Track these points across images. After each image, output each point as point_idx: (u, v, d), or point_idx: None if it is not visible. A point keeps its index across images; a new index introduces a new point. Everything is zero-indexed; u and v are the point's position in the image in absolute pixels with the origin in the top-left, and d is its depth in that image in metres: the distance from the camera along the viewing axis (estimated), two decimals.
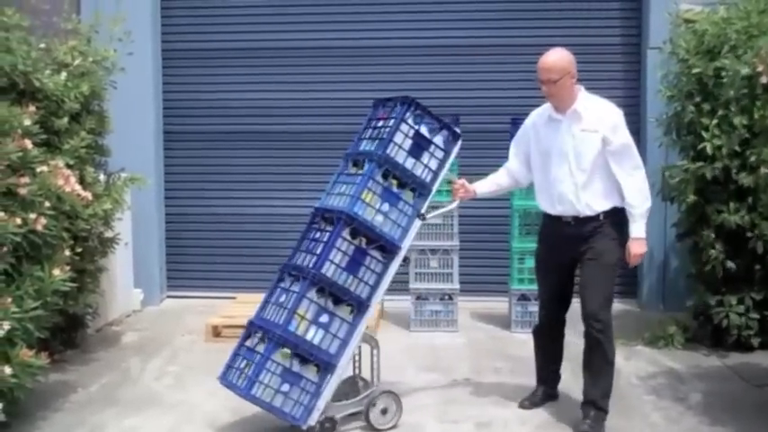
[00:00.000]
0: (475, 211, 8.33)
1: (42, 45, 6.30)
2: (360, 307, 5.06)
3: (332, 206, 5.23)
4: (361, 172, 5.21)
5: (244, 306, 7.67)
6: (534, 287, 7.49)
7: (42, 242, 5.09)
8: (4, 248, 4.81)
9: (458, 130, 5.40)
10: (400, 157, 5.19)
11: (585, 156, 5.09)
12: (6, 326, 4.70)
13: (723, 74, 6.16)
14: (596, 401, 5.19)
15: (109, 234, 6.78)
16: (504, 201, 7.88)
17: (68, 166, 5.72)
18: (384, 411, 5.27)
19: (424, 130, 5.27)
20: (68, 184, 5.42)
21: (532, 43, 8.54)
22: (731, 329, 6.74)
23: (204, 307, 8.18)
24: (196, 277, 9.04)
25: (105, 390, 6.07)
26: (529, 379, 6.09)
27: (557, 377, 5.78)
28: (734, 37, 6.49)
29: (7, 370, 4.75)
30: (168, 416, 5.54)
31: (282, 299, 5.09)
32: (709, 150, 6.47)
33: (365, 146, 5.38)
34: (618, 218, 5.13)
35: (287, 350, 4.91)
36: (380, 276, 5.11)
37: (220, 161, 8.97)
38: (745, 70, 5.44)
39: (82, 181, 5.99)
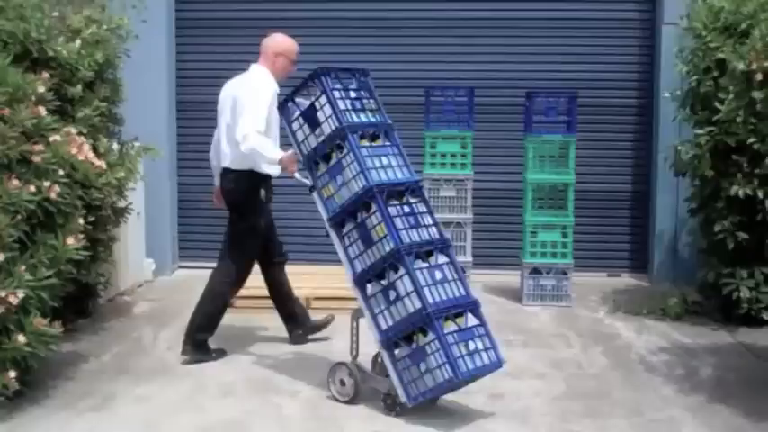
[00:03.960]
0: (488, 184, 8.32)
1: (56, 13, 6.27)
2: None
3: (398, 180, 5.17)
4: (388, 143, 5.30)
5: (257, 277, 7.65)
6: (546, 260, 7.56)
7: (56, 210, 5.08)
8: (19, 216, 4.81)
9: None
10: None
11: None
12: (21, 294, 4.71)
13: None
14: None
15: (122, 204, 6.78)
16: (518, 174, 7.88)
17: (82, 135, 5.70)
18: (342, 383, 5.25)
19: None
20: (82, 152, 5.39)
21: (548, 17, 8.55)
22: (741, 303, 6.73)
23: None
24: (208, 248, 8.98)
25: (117, 359, 6.10)
26: (541, 351, 6.10)
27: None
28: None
29: (21, 338, 4.77)
30: (181, 385, 5.55)
31: (440, 276, 5.06)
32: (723, 117, 6.28)
33: (363, 117, 5.29)
34: None
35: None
36: None
37: None
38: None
39: (95, 150, 5.97)
